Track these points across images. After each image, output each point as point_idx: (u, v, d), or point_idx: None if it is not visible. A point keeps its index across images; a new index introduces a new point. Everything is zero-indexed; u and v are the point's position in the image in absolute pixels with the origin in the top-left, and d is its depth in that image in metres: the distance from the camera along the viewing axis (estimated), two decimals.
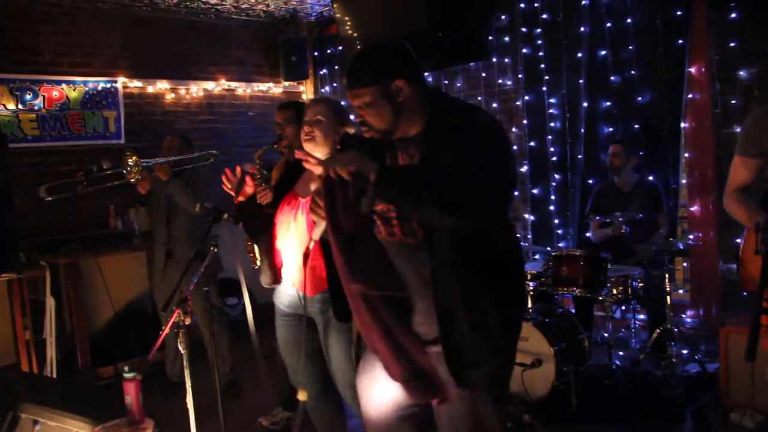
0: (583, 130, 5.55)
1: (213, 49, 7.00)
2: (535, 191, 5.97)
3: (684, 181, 5.19)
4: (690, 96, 5.03)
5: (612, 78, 5.31)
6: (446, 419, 2.19)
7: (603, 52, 5.36)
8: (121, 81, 6.23)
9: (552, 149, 5.80)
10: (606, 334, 4.74)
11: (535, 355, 4.11)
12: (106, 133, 6.15)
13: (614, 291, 4.40)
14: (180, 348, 2.91)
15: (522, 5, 5.85)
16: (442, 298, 2.05)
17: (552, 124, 5.78)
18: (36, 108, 5.67)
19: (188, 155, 4.69)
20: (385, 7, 5.42)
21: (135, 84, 6.35)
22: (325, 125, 2.93)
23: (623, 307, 5.14)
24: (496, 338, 2.10)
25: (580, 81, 5.51)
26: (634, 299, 4.52)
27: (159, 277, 4.79)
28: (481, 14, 5.59)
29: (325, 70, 7.61)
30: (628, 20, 5.17)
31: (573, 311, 4.74)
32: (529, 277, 4.76)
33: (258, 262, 4.12)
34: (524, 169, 6.04)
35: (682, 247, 4.78)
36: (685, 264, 5.50)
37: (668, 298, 4.39)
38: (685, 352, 4.66)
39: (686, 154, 5.13)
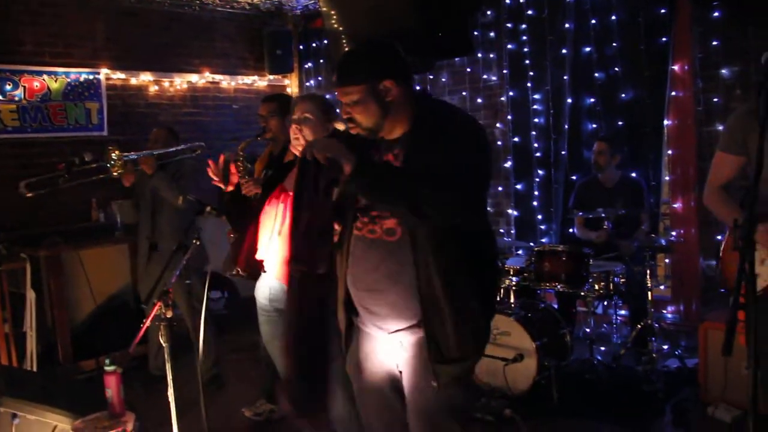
0: (567, 126, 5.57)
1: (197, 42, 6.96)
2: (518, 187, 5.99)
3: (666, 178, 5.23)
4: (673, 93, 5.05)
5: (596, 74, 5.33)
6: (415, 401, 2.24)
7: (587, 49, 5.38)
8: (104, 72, 6.17)
9: (536, 145, 5.82)
10: (588, 330, 4.79)
11: (517, 350, 4.13)
12: (89, 124, 6.09)
13: (596, 286, 4.43)
14: (162, 341, 2.90)
15: (507, 1, 5.86)
16: (426, 298, 2.08)
17: (536, 120, 5.80)
18: (16, 99, 5.60)
19: (174, 147, 4.65)
20: (370, 2, 5.42)
21: (118, 75, 6.30)
22: (314, 123, 2.93)
23: (605, 303, 5.18)
24: (481, 334, 2.15)
25: (565, 77, 5.53)
26: (616, 295, 4.56)
27: (142, 270, 4.77)
28: (466, 10, 5.61)
29: (310, 64, 7.59)
30: (613, 17, 5.19)
31: (555, 306, 4.77)
32: (511, 273, 4.78)
33: None
34: (508, 164, 6.06)
35: (663, 244, 4.83)
36: (666, 260, 5.54)
37: (649, 293, 4.42)
38: (665, 347, 4.71)
39: (669, 151, 5.17)
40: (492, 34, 6.09)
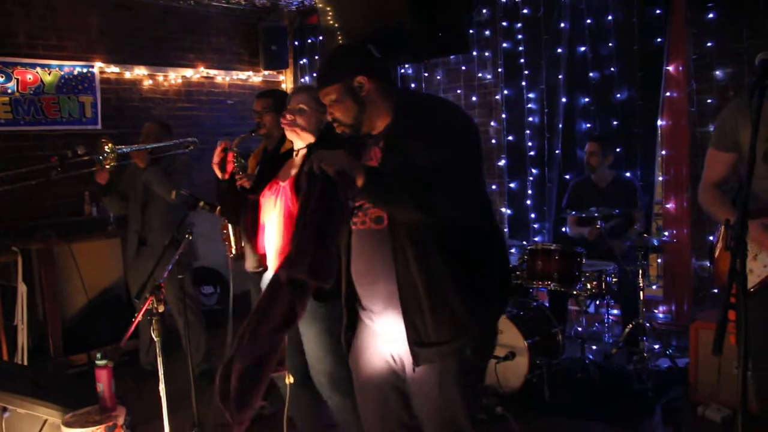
0: (561, 126, 5.58)
1: (192, 36, 6.94)
2: (512, 185, 6.00)
3: (660, 179, 5.24)
4: (667, 94, 5.07)
5: (591, 74, 5.34)
6: (417, 394, 2.26)
7: (582, 49, 5.39)
8: (98, 66, 6.15)
9: (530, 144, 5.83)
10: (579, 328, 4.80)
11: (509, 348, 4.14)
12: (82, 118, 6.07)
13: (588, 286, 4.44)
14: (153, 336, 2.90)
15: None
16: (404, 282, 2.12)
17: (530, 119, 5.81)
18: (9, 91, 5.58)
19: (167, 142, 4.64)
20: None
21: (112, 69, 6.28)
22: (308, 114, 2.93)
23: (597, 302, 5.20)
24: (461, 318, 2.12)
25: (560, 76, 5.54)
26: (608, 294, 4.57)
27: (131, 264, 4.75)
28: (462, 7, 5.60)
29: (305, 60, 7.58)
30: (608, 17, 5.20)
31: (547, 305, 4.77)
32: None
33: (233, 251, 4.10)
34: (502, 163, 6.07)
35: (656, 244, 4.84)
36: (658, 260, 5.56)
37: (641, 293, 4.43)
38: (656, 347, 4.72)
39: (662, 152, 5.18)
40: (487, 32, 6.10)
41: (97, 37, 6.18)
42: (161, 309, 2.86)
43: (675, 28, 4.99)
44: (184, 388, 3.47)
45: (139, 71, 6.48)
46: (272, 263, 3.05)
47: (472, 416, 2.22)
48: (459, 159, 2.07)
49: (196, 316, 4.72)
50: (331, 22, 6.13)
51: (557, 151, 5.63)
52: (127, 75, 6.42)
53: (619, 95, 5.21)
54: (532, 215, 5.89)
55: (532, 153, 5.83)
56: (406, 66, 6.47)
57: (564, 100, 5.54)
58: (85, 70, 6.07)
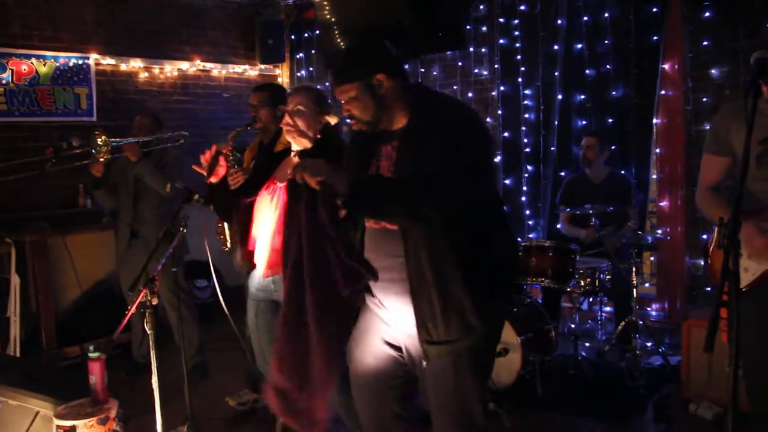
0: (556, 123, 5.59)
1: (189, 29, 6.91)
2: (507, 182, 6.00)
3: (654, 176, 5.25)
4: (663, 92, 5.08)
5: (587, 71, 5.35)
6: (431, 387, 2.29)
7: (579, 46, 5.39)
8: (93, 57, 6.12)
9: (525, 140, 5.84)
10: (573, 325, 4.81)
11: (502, 344, 4.14)
12: (77, 110, 6.04)
13: (582, 283, 4.45)
14: (146, 329, 2.89)
15: None
16: (416, 283, 2.15)
17: (526, 116, 5.82)
18: (4, 82, 5.54)
19: (158, 135, 4.63)
20: None
21: (108, 61, 6.25)
22: (306, 115, 2.92)
23: (590, 299, 5.20)
24: (469, 318, 2.17)
25: (556, 73, 5.55)
26: (602, 291, 4.58)
27: (122, 257, 4.74)
28: (459, 3, 5.60)
29: (301, 54, 7.56)
30: (605, 15, 5.20)
31: (541, 302, 4.78)
32: None
33: (228, 244, 4.10)
34: (497, 159, 6.07)
35: (650, 241, 4.85)
36: (652, 258, 5.58)
37: (635, 291, 4.44)
38: (649, 344, 4.73)
39: (657, 150, 5.19)
40: (484, 28, 6.10)
41: (93, 28, 6.15)
42: (155, 302, 2.85)
43: (671, 26, 5.00)
44: (177, 381, 3.47)
45: (135, 63, 6.46)
46: (263, 261, 3.05)
47: (483, 404, 2.29)
48: (468, 161, 2.10)
49: (189, 310, 4.71)
50: (328, 16, 6.15)
51: (553, 148, 5.63)
52: (123, 67, 6.39)
53: (614, 93, 5.21)
54: (527, 212, 5.89)
55: (527, 150, 5.83)
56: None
57: (560, 97, 5.54)
58: (80, 62, 6.04)
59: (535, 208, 5.85)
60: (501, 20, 5.90)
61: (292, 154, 3.08)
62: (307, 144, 2.85)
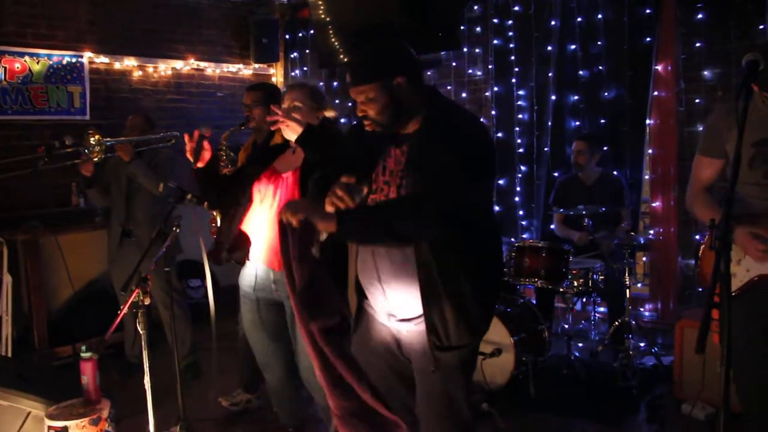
0: (550, 123, 5.59)
1: (183, 28, 6.90)
2: (500, 182, 6.00)
3: (647, 177, 5.27)
4: (655, 93, 5.09)
5: (580, 72, 5.35)
6: (423, 390, 2.35)
7: (572, 47, 5.40)
8: (87, 56, 6.10)
9: (519, 141, 5.84)
10: (566, 326, 4.82)
11: (495, 345, 4.15)
12: (71, 108, 6.03)
13: (575, 283, 4.46)
14: (139, 329, 2.89)
15: None
16: (428, 292, 2.17)
17: (520, 116, 5.82)
18: None
19: (151, 135, 4.62)
20: None
21: (102, 60, 6.24)
22: (304, 111, 2.91)
23: (584, 299, 5.22)
24: (476, 323, 2.23)
25: (549, 74, 5.55)
26: (595, 292, 4.59)
27: (114, 256, 4.73)
28: (452, 4, 5.61)
29: (295, 54, 7.55)
30: (599, 16, 5.21)
31: (534, 302, 4.79)
32: None
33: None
34: None
35: (643, 242, 4.86)
36: (645, 258, 5.59)
37: (628, 291, 4.45)
38: (642, 344, 4.75)
39: (650, 151, 5.20)
40: (478, 29, 6.10)
41: (86, 26, 6.13)
42: (147, 302, 2.85)
43: (664, 28, 5.01)
44: (170, 381, 3.46)
45: (129, 62, 6.44)
46: (261, 253, 3.03)
47: (468, 399, 2.35)
48: (473, 172, 2.12)
49: (181, 310, 4.70)
50: (323, 16, 6.16)
51: (546, 149, 5.64)
52: (117, 66, 6.37)
53: (607, 94, 5.22)
54: (521, 212, 5.90)
55: (521, 150, 5.84)
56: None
57: (553, 97, 5.55)
58: (74, 60, 6.02)
59: (528, 208, 5.85)
60: (495, 21, 5.90)
61: (292, 150, 3.06)
62: (299, 129, 2.80)
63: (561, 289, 4.50)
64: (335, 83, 7.17)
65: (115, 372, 4.69)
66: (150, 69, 6.63)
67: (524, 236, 5.78)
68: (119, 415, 3.42)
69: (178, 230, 3.25)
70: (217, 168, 3.17)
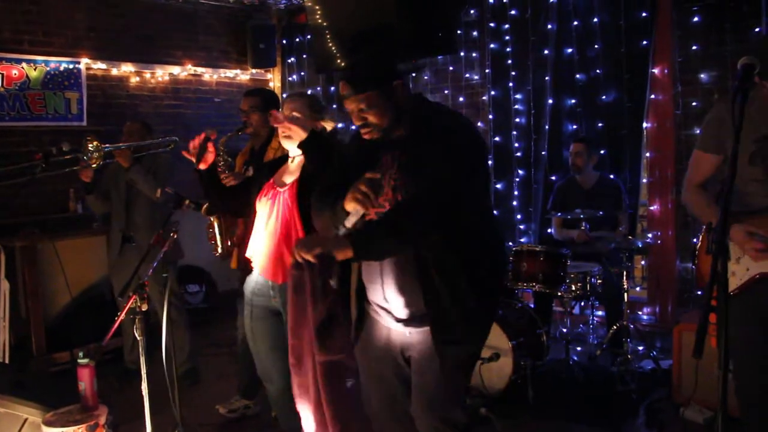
0: (547, 127, 5.60)
1: (180, 34, 6.90)
2: (498, 186, 6.01)
3: (644, 180, 5.27)
4: (652, 96, 5.10)
5: (577, 76, 5.36)
6: (419, 389, 2.38)
7: (569, 50, 5.41)
8: (84, 62, 6.11)
9: (516, 145, 5.84)
10: (564, 330, 4.81)
11: (494, 349, 4.15)
12: (68, 114, 6.02)
13: (573, 287, 4.46)
14: (136, 335, 2.88)
15: (491, 1, 5.87)
16: (429, 290, 2.21)
17: (517, 120, 5.82)
18: None
19: (150, 141, 4.62)
20: None
21: (99, 66, 6.24)
22: (302, 121, 2.90)
23: (582, 303, 5.22)
24: (477, 318, 2.28)
25: (546, 78, 5.56)
26: (593, 296, 4.59)
27: (115, 263, 4.73)
28: (450, 8, 5.62)
29: (293, 59, 7.56)
30: (595, 20, 5.22)
31: (532, 306, 4.79)
32: None
33: (219, 250, 4.09)
34: (489, 163, 6.07)
35: (640, 245, 4.86)
36: (643, 262, 5.59)
37: (626, 295, 4.45)
38: (640, 348, 4.75)
39: (647, 154, 5.21)
40: (475, 33, 6.11)
41: (84, 33, 6.14)
42: (145, 308, 2.84)
43: (661, 31, 5.02)
44: (167, 387, 3.45)
45: (126, 68, 6.45)
46: (260, 266, 3.03)
47: (464, 400, 2.42)
48: (465, 168, 2.17)
49: (179, 315, 4.69)
50: (320, 21, 6.15)
51: (543, 153, 5.64)
52: (114, 72, 6.38)
53: (605, 97, 5.23)
54: (518, 216, 5.90)
55: (518, 154, 5.84)
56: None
57: (550, 101, 5.55)
58: (71, 66, 6.02)
59: (526, 212, 5.85)
60: (492, 25, 5.91)
61: (290, 160, 3.07)
62: (303, 134, 2.80)
63: (559, 293, 4.49)
64: (333, 88, 7.18)
65: (113, 378, 4.67)
66: (147, 75, 6.63)
67: (522, 240, 5.78)
68: (117, 421, 3.41)
69: (175, 236, 3.25)
70: (217, 175, 3.18)
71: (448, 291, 2.19)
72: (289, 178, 2.99)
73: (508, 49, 5.82)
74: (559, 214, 4.82)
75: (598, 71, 5.25)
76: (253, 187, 3.14)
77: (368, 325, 2.48)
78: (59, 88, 5.95)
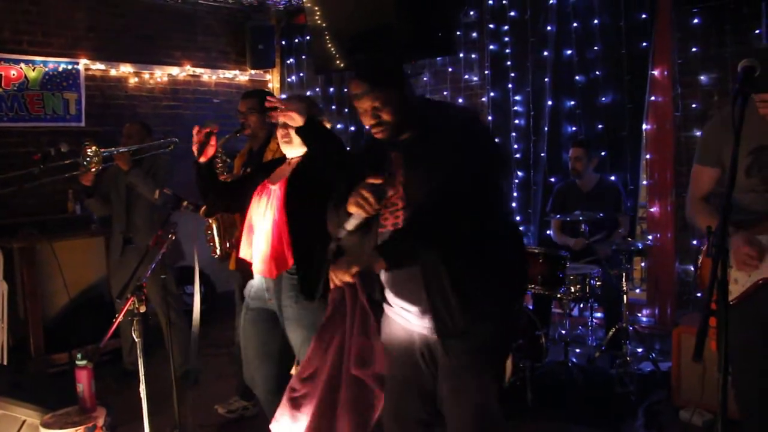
0: (546, 129, 5.59)
1: (179, 34, 6.90)
2: None
3: (644, 182, 5.26)
4: (652, 98, 5.09)
5: (577, 77, 5.35)
6: (450, 391, 2.34)
7: (569, 52, 5.40)
8: (83, 63, 6.10)
9: (515, 146, 5.84)
10: (563, 331, 4.80)
11: None
12: (66, 115, 6.02)
13: (572, 289, 4.45)
14: (134, 336, 2.87)
15: (490, 2, 5.87)
16: (431, 280, 2.20)
17: (516, 122, 5.82)
18: None
19: (148, 143, 4.61)
20: None
21: (98, 66, 6.24)
22: (299, 107, 2.89)
23: (581, 305, 5.20)
24: (482, 308, 2.24)
25: (546, 79, 5.56)
26: (592, 297, 4.58)
27: (115, 265, 4.72)
28: (449, 9, 5.61)
29: (292, 60, 7.55)
30: (595, 21, 5.21)
31: (531, 308, 4.78)
32: None
33: (218, 251, 4.08)
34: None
35: (640, 247, 4.85)
36: (642, 264, 5.58)
37: (625, 297, 4.44)
38: (639, 350, 4.74)
39: (647, 156, 5.21)
40: (474, 34, 6.10)
41: (83, 33, 6.14)
42: (143, 309, 2.83)
43: (660, 33, 5.02)
44: (166, 388, 3.44)
45: (125, 69, 6.44)
46: (258, 266, 3.02)
47: (499, 401, 2.34)
48: (478, 169, 2.16)
49: (178, 317, 4.69)
50: (319, 21, 6.15)
51: (543, 154, 5.64)
52: (113, 72, 6.37)
53: (604, 99, 5.22)
54: (518, 218, 5.89)
55: (517, 156, 5.83)
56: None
57: (550, 103, 5.55)
58: (70, 67, 6.02)
59: (525, 214, 5.85)
60: (491, 26, 5.90)
61: (287, 162, 3.06)
62: (300, 120, 2.77)
63: (558, 295, 4.48)
64: (332, 89, 7.17)
65: (111, 380, 4.67)
66: (146, 75, 6.63)
67: None
68: (115, 422, 3.40)
69: (173, 237, 3.24)
70: (214, 169, 3.17)
71: (448, 278, 2.18)
72: (282, 176, 2.99)
73: (507, 51, 5.82)
74: (559, 216, 4.82)
75: (597, 73, 5.24)
76: (249, 185, 3.13)
77: (384, 324, 2.47)
78: (58, 88, 5.95)
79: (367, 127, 2.30)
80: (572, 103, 5.45)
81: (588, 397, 4.20)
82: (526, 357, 4.20)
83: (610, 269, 4.57)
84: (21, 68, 5.70)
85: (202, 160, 2.99)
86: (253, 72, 7.50)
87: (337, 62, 5.86)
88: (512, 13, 5.73)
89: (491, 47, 5.93)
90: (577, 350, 4.95)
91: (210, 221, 3.97)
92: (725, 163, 2.61)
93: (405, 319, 2.39)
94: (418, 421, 2.44)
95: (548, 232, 5.36)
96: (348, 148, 3.05)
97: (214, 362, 5.12)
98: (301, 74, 7.47)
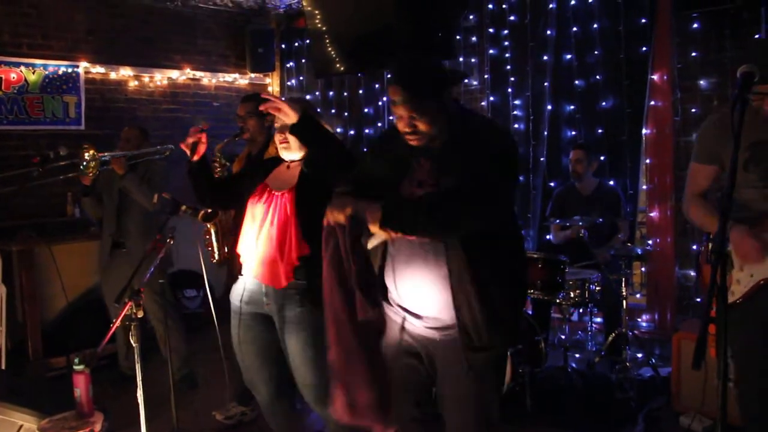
0: (546, 133, 5.59)
1: (179, 38, 6.90)
2: None
3: (644, 187, 5.26)
4: (652, 103, 5.09)
5: (576, 82, 5.36)
6: (453, 394, 2.35)
7: (568, 56, 5.40)
8: (83, 66, 6.10)
9: None
10: (563, 336, 4.79)
11: None
12: (66, 118, 6.02)
13: (572, 294, 4.44)
14: (132, 341, 2.86)
15: (490, 6, 5.87)
16: (458, 293, 2.20)
17: (516, 126, 5.82)
18: None
19: (146, 148, 4.59)
20: (354, 2, 5.40)
21: (97, 69, 6.23)
22: (293, 105, 2.87)
23: (580, 310, 5.19)
24: (505, 323, 2.25)
25: (545, 84, 5.56)
26: (592, 303, 4.57)
27: (104, 267, 4.70)
28: (449, 13, 5.61)
29: (291, 63, 7.55)
30: (594, 25, 5.21)
31: (530, 313, 4.77)
32: None
33: (217, 256, 4.08)
34: None
35: (640, 252, 4.84)
36: (642, 269, 5.57)
37: (625, 302, 4.44)
38: (639, 355, 4.73)
39: (647, 160, 5.20)
40: (474, 38, 6.11)
41: (82, 36, 6.14)
42: (140, 314, 2.82)
43: (660, 38, 5.01)
44: (164, 393, 3.43)
45: (125, 72, 6.44)
46: (253, 270, 3.00)
47: (499, 407, 2.38)
48: (498, 182, 2.17)
49: (175, 321, 4.67)
50: (319, 25, 6.14)
51: (542, 159, 5.63)
52: (113, 75, 6.37)
53: (604, 103, 5.22)
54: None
55: None
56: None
57: (549, 107, 5.55)
58: (69, 70, 6.02)
59: (525, 218, 5.84)
60: (490, 30, 5.91)
61: (286, 166, 3.04)
62: (294, 117, 2.74)
63: (557, 300, 4.48)
64: (331, 93, 7.17)
65: (108, 384, 4.65)
66: (146, 79, 6.63)
67: None
68: (112, 427, 3.38)
69: (171, 242, 3.23)
70: (209, 166, 3.16)
71: (478, 296, 2.17)
72: (287, 184, 2.96)
73: (507, 55, 5.82)
74: (558, 221, 4.81)
75: (597, 77, 5.24)
76: (244, 182, 3.11)
77: (390, 328, 2.46)
78: (57, 91, 5.95)
79: (401, 131, 2.26)
80: (572, 107, 5.45)
81: (588, 402, 4.19)
82: (525, 362, 4.19)
83: (610, 274, 4.56)
84: (21, 71, 5.70)
85: (195, 158, 2.98)
86: (253, 75, 7.50)
87: (337, 65, 5.86)
88: (512, 18, 5.73)
89: (491, 51, 5.93)
90: (577, 355, 4.94)
91: (208, 226, 3.96)
92: (723, 161, 2.62)
93: (406, 320, 2.39)
94: (412, 420, 2.45)
95: (548, 236, 5.35)
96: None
97: (212, 367, 5.09)
98: (301, 78, 7.46)
